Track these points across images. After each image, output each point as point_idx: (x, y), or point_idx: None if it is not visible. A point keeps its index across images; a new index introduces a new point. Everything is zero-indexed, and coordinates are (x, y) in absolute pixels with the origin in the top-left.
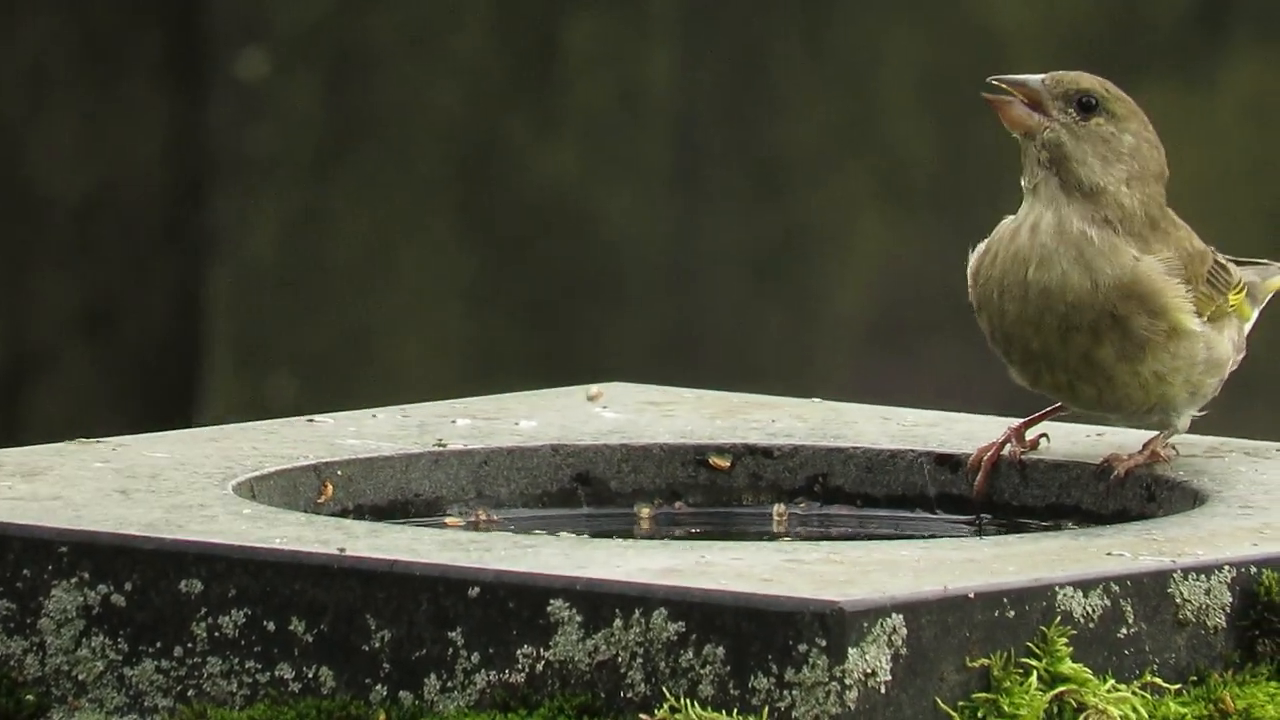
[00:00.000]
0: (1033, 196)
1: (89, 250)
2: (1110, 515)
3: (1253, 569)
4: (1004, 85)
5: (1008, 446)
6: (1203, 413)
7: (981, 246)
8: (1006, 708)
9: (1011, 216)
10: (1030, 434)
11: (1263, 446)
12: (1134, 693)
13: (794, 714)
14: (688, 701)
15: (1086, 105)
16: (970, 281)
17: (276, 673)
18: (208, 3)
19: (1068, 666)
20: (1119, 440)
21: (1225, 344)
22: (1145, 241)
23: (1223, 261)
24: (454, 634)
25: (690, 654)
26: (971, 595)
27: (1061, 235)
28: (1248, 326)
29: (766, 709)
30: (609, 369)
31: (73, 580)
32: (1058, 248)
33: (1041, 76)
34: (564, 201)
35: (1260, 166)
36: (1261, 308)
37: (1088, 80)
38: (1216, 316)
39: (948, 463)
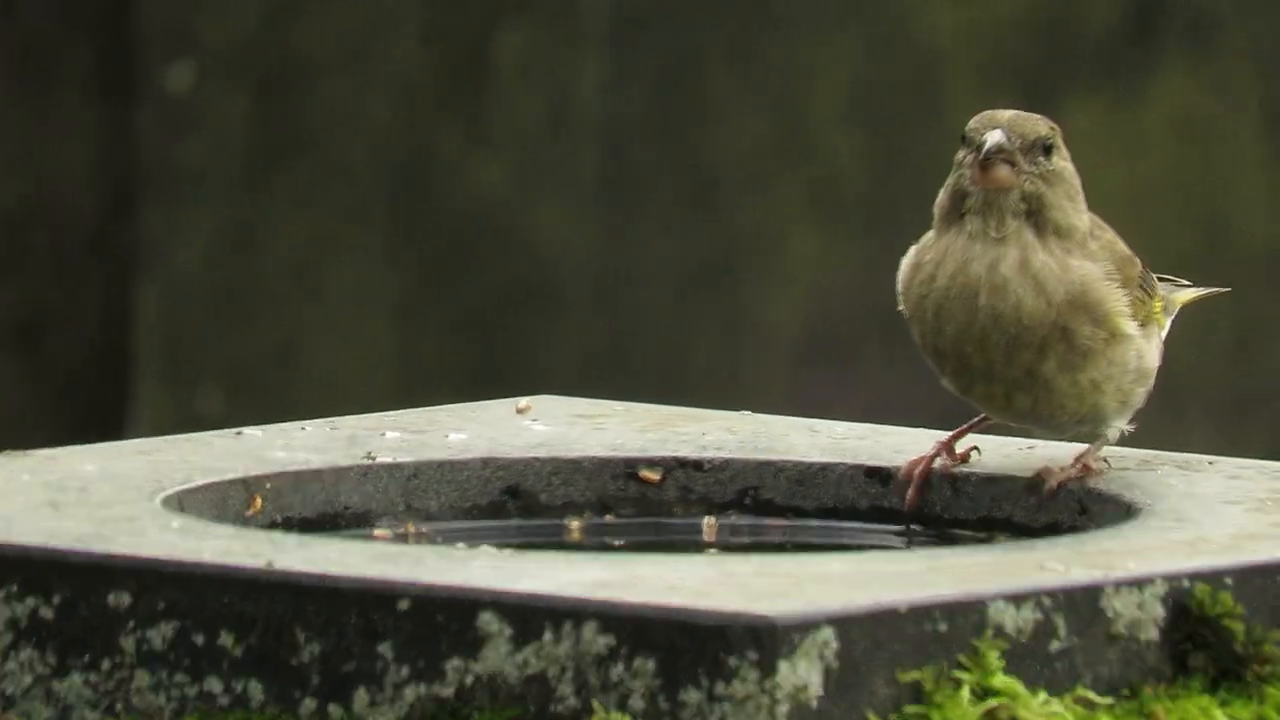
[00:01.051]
0: (996, 243)
1: (17, 262)
2: (1042, 528)
3: (1185, 582)
4: (986, 154)
5: (938, 460)
6: (1132, 425)
7: (910, 258)
8: None
9: (932, 233)
10: (960, 447)
11: (1194, 459)
12: (1066, 706)
13: None
14: (618, 715)
15: (1047, 149)
16: (901, 291)
17: (205, 686)
18: (137, 15)
19: (1000, 680)
20: (1050, 453)
21: (1153, 352)
22: (1085, 248)
23: (1145, 267)
24: (383, 647)
25: (621, 667)
26: (903, 609)
27: (1024, 269)
28: (1163, 335)
29: None
30: (540, 382)
31: (0, 593)
32: (1019, 280)
33: (1001, 134)
34: (495, 214)
35: (1189, 179)
36: (1171, 319)
37: (1043, 125)
38: (1146, 321)
39: (878, 475)
